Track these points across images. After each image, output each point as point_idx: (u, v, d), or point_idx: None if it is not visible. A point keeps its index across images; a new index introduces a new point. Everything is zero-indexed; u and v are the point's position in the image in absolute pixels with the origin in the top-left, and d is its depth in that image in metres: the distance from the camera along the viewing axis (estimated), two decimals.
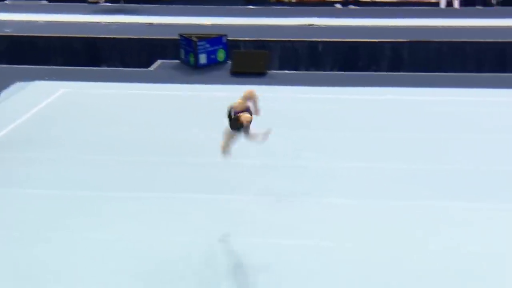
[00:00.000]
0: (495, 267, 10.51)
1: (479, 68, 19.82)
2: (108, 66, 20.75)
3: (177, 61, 20.65)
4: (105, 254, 10.86)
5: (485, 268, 10.49)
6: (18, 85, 18.54)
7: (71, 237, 11.30)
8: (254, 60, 19.61)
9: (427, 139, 14.97)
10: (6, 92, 18.06)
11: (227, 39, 20.53)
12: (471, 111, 16.51)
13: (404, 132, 15.42)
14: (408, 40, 20.84)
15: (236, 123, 10.65)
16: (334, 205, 12.23)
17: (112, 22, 24.23)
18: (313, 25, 23.37)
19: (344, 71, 20.01)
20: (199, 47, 20.03)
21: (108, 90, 18.43)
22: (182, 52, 20.52)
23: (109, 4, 27.97)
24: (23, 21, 24.71)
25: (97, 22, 24.32)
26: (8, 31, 23.08)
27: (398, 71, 19.67)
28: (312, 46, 21.06)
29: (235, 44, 20.98)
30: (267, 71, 19.63)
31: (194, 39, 20.15)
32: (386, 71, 19.72)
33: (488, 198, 12.45)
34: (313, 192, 11.31)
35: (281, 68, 20.18)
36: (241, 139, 11.29)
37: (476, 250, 10.88)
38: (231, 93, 18.05)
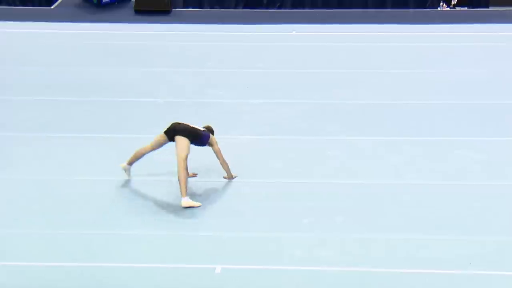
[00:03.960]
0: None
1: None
2: (8, 5, 20.25)
3: None
4: (13, 194, 10.88)
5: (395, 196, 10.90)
6: None
7: None
8: None
9: (336, 73, 15.28)
10: None
11: None
12: (370, 46, 16.90)
13: (310, 68, 15.64)
14: None
15: None
16: (240, 142, 12.40)
17: None
18: None
19: (249, 8, 19.99)
20: None
21: (9, 29, 18.06)
22: None
23: None
24: None
25: None
26: None
27: (303, 8, 19.80)
28: None
29: None
30: (171, 9, 19.50)
31: None
32: (290, 8, 19.81)
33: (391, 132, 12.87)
34: (219, 129, 11.42)
35: (185, 5, 20.04)
36: None
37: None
38: (135, 32, 18.15)
